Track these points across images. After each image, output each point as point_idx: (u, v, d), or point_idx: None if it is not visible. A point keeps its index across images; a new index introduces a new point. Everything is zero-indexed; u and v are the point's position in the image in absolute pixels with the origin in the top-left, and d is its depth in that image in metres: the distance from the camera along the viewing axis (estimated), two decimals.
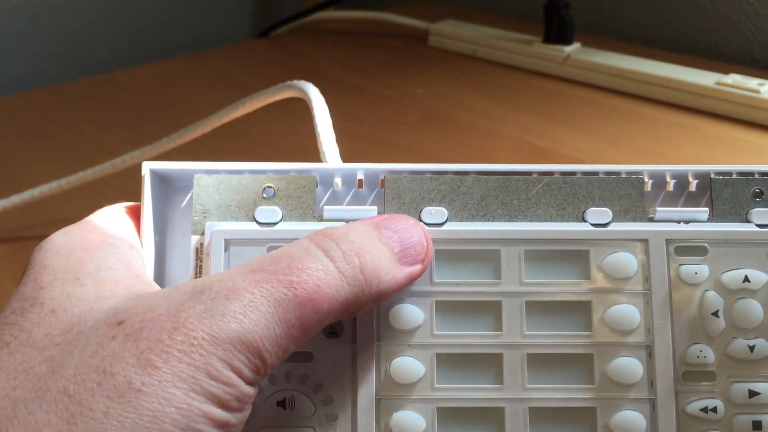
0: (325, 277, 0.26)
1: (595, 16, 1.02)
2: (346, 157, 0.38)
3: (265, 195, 0.32)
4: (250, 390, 0.25)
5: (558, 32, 0.86)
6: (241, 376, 0.25)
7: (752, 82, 0.74)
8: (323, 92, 0.40)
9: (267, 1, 1.14)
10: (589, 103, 0.79)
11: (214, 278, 0.26)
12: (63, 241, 0.28)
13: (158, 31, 1.01)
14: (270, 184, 0.32)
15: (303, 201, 0.32)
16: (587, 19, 1.02)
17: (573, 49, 0.85)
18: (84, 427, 0.23)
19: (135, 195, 0.32)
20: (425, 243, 0.30)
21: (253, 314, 0.25)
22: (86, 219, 0.31)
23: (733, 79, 0.75)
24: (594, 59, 0.83)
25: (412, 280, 0.29)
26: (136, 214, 0.32)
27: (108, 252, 0.29)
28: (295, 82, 0.42)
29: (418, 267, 0.29)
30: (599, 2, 1.02)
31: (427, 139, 0.72)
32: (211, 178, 0.32)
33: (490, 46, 0.90)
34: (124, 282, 0.27)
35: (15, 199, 0.56)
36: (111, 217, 0.31)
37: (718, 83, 0.75)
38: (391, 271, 0.28)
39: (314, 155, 0.38)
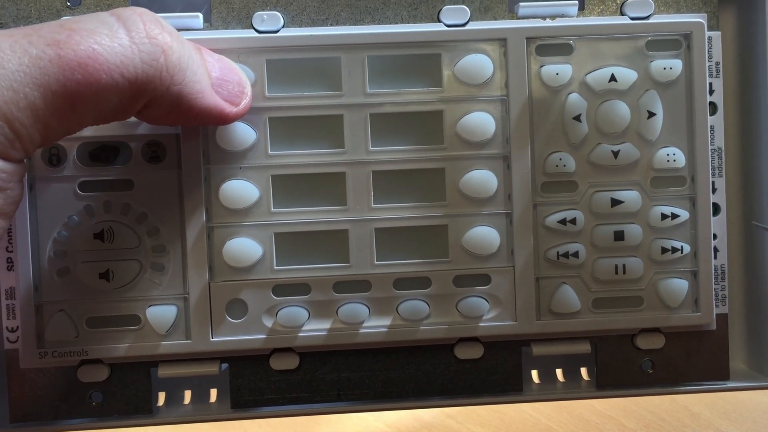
0: (109, 43, 0.22)
1: None
2: None
3: (69, 4, 0.28)
4: (3, 165, 0.22)
5: None
6: None
7: None
8: None
9: None
10: None
11: None
12: None
13: None
14: None
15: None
16: None
17: None
18: None
19: None
20: (246, 91, 0.26)
21: None
22: None
23: None
24: None
25: (221, 117, 0.26)
26: None
27: None
28: None
29: (230, 107, 0.26)
30: None
31: None
32: None
33: None
34: None
35: None
36: None
37: None
38: (200, 84, 0.24)
39: None
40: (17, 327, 0.28)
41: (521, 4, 0.28)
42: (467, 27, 0.28)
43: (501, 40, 0.28)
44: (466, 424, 0.37)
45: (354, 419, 0.38)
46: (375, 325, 0.28)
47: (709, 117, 0.28)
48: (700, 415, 0.37)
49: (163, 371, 0.28)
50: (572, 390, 0.30)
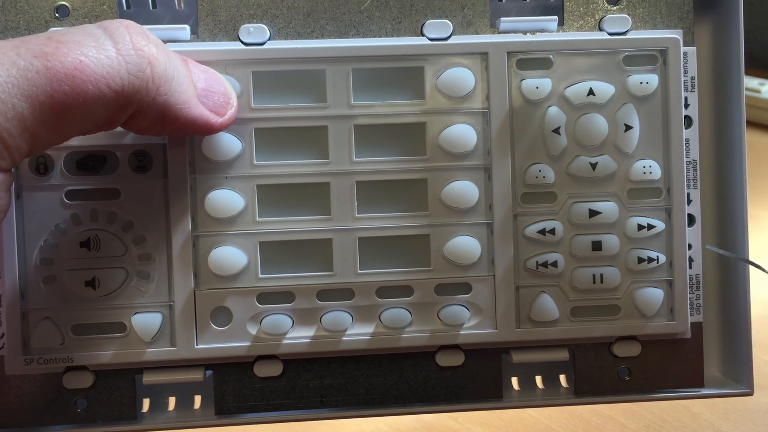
0: (96, 55, 0.23)
1: None
2: None
3: (57, 15, 0.28)
4: None
5: None
6: None
7: (753, 82, 0.71)
8: None
9: None
10: None
11: None
12: None
13: None
14: (63, 2, 0.28)
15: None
16: None
17: None
18: None
19: None
20: (232, 102, 0.27)
21: None
22: None
23: None
24: None
25: (207, 128, 0.26)
26: None
27: None
28: None
29: (215, 118, 0.26)
30: None
31: None
32: None
33: None
34: None
35: None
36: None
37: None
38: (185, 95, 0.25)
39: None
40: (3, 334, 0.28)
41: (503, 19, 0.29)
42: (450, 41, 0.29)
43: (483, 54, 0.29)
44: (467, 425, 0.38)
45: (353, 419, 0.38)
46: (358, 333, 0.29)
47: (684, 130, 0.29)
48: (700, 415, 0.38)
49: (148, 378, 0.29)
50: (551, 396, 0.30)
